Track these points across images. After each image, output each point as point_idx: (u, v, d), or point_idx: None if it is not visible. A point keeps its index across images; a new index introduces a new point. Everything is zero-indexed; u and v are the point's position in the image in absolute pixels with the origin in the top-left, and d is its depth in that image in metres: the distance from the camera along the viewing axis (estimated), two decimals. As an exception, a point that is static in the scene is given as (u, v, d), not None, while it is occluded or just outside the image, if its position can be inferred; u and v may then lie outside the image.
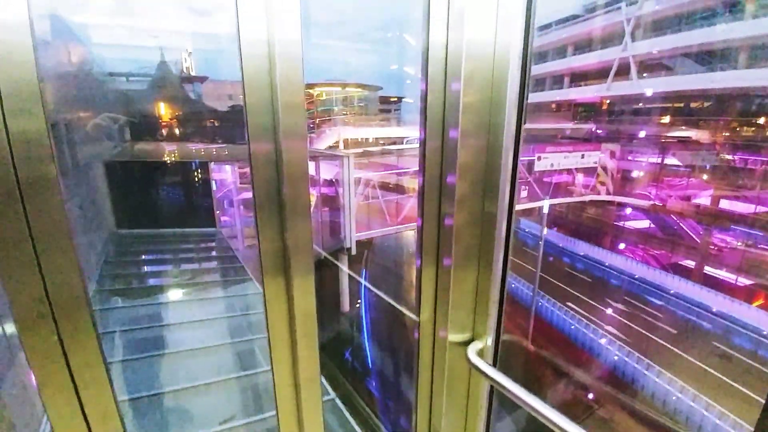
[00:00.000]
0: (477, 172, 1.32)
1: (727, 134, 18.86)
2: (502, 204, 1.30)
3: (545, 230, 16.93)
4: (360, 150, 17.31)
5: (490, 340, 1.42)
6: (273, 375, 1.36)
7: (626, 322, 14.16)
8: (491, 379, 1.28)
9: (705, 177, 18.65)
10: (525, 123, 1.28)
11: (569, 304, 15.20)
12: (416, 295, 1.51)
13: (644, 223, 19.28)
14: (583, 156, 19.15)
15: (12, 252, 0.90)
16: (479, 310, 1.43)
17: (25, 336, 0.97)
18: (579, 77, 26.19)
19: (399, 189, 14.13)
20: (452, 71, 1.28)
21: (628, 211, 20.00)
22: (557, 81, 28.02)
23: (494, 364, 1.41)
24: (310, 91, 32.97)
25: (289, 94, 1.10)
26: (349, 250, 11.75)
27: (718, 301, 14.00)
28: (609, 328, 13.89)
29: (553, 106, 27.92)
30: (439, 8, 1.25)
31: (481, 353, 1.40)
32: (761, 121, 18.46)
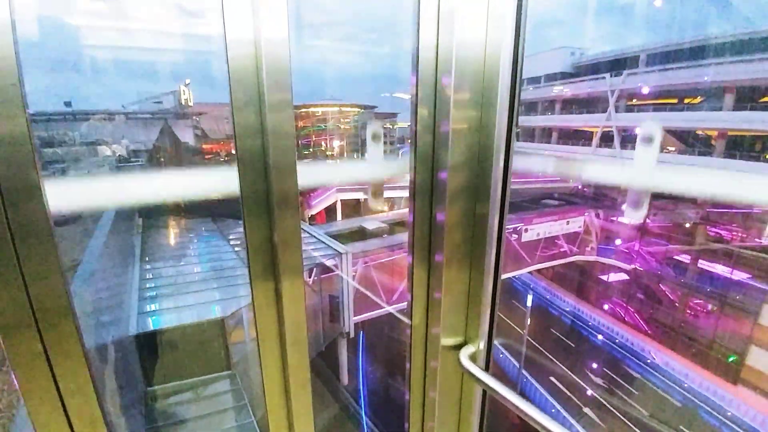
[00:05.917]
0: (468, 173, 1.31)
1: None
2: (494, 205, 1.28)
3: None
4: (356, 228, 18.16)
5: (482, 344, 1.40)
6: (263, 381, 1.34)
7: (604, 402, 14.55)
8: (484, 383, 1.27)
9: (682, 237, 19.18)
10: (517, 124, 1.26)
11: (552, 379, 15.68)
12: (408, 299, 1.49)
13: (624, 276, 20.47)
14: (568, 222, 20.48)
15: (-8, 258, 0.88)
16: (471, 313, 1.41)
17: (7, 344, 0.95)
18: (566, 129, 27.33)
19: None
20: (443, 72, 1.26)
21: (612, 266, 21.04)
22: (546, 134, 29.24)
23: (486, 369, 1.39)
24: (307, 110, 33.66)
25: (276, 94, 1.08)
26: (348, 334, 13.11)
27: (690, 377, 14.97)
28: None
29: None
30: (429, 8, 1.23)
31: (473, 357, 1.38)
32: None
